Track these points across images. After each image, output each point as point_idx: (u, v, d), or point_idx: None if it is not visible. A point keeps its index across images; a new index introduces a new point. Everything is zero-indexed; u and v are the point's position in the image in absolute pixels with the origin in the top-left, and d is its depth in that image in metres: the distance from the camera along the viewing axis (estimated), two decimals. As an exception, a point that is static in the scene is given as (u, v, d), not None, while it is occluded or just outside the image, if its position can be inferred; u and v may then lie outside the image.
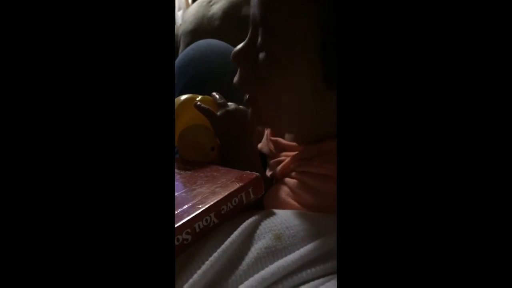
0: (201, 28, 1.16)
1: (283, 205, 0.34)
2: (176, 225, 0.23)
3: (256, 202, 0.28)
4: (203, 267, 0.21)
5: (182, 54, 0.65)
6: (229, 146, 0.39)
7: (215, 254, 0.22)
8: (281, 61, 0.29)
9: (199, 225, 0.24)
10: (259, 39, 0.30)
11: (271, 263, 0.23)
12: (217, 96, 0.42)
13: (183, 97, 0.41)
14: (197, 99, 0.40)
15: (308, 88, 0.30)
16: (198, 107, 0.39)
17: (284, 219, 0.26)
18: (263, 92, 0.32)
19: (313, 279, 0.23)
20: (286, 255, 0.23)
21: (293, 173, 0.36)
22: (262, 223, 0.25)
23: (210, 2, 1.18)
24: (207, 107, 0.40)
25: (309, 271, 0.23)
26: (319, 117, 0.32)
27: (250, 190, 0.27)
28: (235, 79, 0.35)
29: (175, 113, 0.39)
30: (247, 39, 0.33)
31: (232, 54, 0.33)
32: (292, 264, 0.22)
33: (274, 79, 0.30)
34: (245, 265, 0.22)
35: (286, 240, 0.24)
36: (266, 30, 0.30)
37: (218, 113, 0.40)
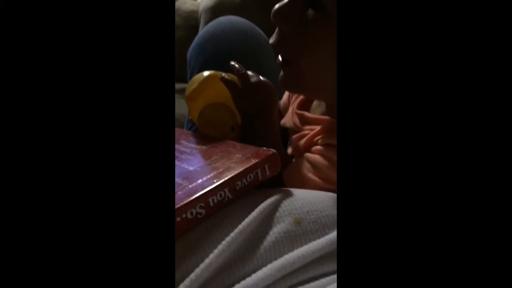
0: (222, 5, 1.14)
1: (305, 182, 0.34)
2: (190, 199, 0.23)
3: (273, 178, 0.28)
4: (220, 247, 0.21)
5: (202, 31, 0.64)
6: (250, 121, 0.38)
7: (232, 234, 0.22)
8: (334, 15, 0.28)
9: (213, 199, 0.24)
10: None
11: (290, 249, 0.22)
12: (237, 66, 0.40)
13: (206, 73, 0.40)
14: (222, 74, 0.40)
15: None
16: (222, 79, 0.38)
17: (305, 202, 0.25)
18: (309, 54, 0.31)
19: (333, 273, 0.22)
20: (306, 242, 0.23)
21: (316, 147, 0.35)
22: (282, 205, 0.25)
23: (232, -22, 1.15)
24: (231, 79, 0.38)
25: (330, 265, 0.22)
26: None
27: (266, 166, 0.27)
28: (273, 39, 0.34)
29: (197, 89, 0.39)
30: None
31: (273, 11, 0.32)
32: (312, 254, 0.22)
33: (324, 37, 0.29)
34: (263, 248, 0.22)
35: (306, 225, 0.23)
36: None
37: (241, 86, 0.38)
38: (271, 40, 0.34)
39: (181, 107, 0.99)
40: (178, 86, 1.12)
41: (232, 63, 0.40)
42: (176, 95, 1.11)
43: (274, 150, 0.28)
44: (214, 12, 1.14)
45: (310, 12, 0.30)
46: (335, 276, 0.22)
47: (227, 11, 1.08)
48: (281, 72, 0.36)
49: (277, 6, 0.32)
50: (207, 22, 1.15)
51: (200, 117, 0.39)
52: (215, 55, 0.57)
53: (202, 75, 0.40)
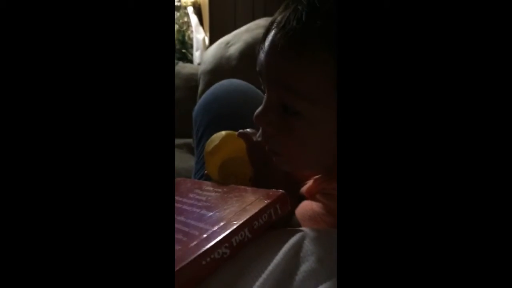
0: (220, 68, 1.24)
1: (316, 218, 0.37)
2: (216, 240, 0.27)
3: (286, 216, 0.32)
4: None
5: (206, 93, 0.71)
6: (263, 170, 0.43)
7: (264, 275, 0.25)
8: (311, 117, 0.32)
9: (235, 239, 0.28)
10: (282, 100, 0.33)
11: (316, 285, 0.24)
12: (249, 130, 0.46)
13: (224, 132, 0.46)
14: (236, 135, 0.46)
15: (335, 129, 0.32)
16: (240, 134, 0.44)
17: (325, 242, 0.28)
18: (294, 151, 0.35)
19: None
20: (329, 279, 0.25)
21: (318, 195, 0.39)
22: (304, 245, 0.28)
23: (227, 43, 1.28)
24: (247, 131, 0.45)
25: None
26: None
27: (277, 206, 0.31)
28: (260, 137, 0.38)
29: (218, 145, 0.45)
30: (265, 100, 0.35)
31: (255, 116, 0.36)
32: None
33: (306, 135, 0.33)
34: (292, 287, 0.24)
35: (328, 263, 0.26)
36: (288, 91, 0.32)
37: (255, 139, 0.44)
38: (258, 137, 0.38)
39: (182, 161, 1.05)
40: (179, 141, 1.18)
41: (241, 131, 0.46)
42: (177, 150, 1.16)
43: (283, 191, 0.32)
44: (213, 74, 1.24)
45: (288, 117, 0.33)
46: None
47: (224, 72, 1.18)
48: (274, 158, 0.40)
49: (257, 111, 0.36)
50: (206, 83, 1.25)
51: (221, 169, 0.44)
52: (220, 114, 0.63)
53: (222, 133, 0.46)
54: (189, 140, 1.11)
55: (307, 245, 0.28)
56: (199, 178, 0.64)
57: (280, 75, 0.33)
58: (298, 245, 0.28)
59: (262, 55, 0.34)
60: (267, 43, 0.33)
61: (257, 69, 0.36)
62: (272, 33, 0.33)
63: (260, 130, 0.38)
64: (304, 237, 0.29)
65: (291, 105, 0.33)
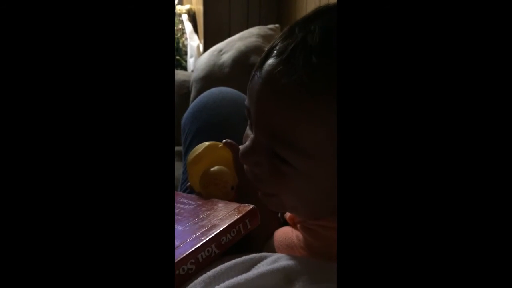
0: (212, 75, 1.24)
1: (293, 248, 0.36)
2: (182, 256, 0.26)
3: (263, 239, 0.31)
4: None
5: (196, 100, 0.70)
6: (248, 182, 0.42)
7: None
8: (307, 172, 0.28)
9: (202, 255, 0.27)
10: (273, 148, 0.29)
11: None
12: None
13: (207, 142, 0.45)
14: (219, 145, 0.45)
15: (331, 182, 0.26)
16: (226, 143, 0.43)
17: (298, 263, 0.27)
18: (284, 192, 0.31)
19: None
20: None
21: (299, 226, 0.36)
22: (277, 263, 0.26)
23: (220, 51, 1.27)
24: (234, 142, 0.43)
25: None
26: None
27: (247, 221, 0.31)
28: (249, 175, 0.33)
29: (201, 154, 0.44)
30: (252, 140, 0.31)
31: (240, 154, 0.32)
32: None
33: (300, 186, 0.29)
34: None
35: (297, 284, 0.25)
36: (281, 142, 0.28)
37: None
38: (248, 176, 0.34)
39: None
40: (171, 149, 1.17)
41: (227, 140, 0.44)
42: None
43: (253, 206, 0.32)
44: (205, 81, 1.23)
45: (280, 163, 0.29)
46: None
47: (217, 80, 1.18)
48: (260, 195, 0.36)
49: (243, 150, 0.31)
50: (198, 90, 1.25)
51: (203, 177, 0.43)
52: (208, 123, 0.62)
53: (205, 143, 0.45)
54: (181, 148, 1.10)
55: (281, 263, 0.27)
56: (185, 189, 0.63)
57: (274, 122, 0.28)
58: (271, 269, 0.27)
59: (256, 85, 0.29)
60: (264, 72, 0.28)
61: (245, 102, 0.31)
62: (271, 61, 0.28)
63: (248, 170, 0.34)
64: (280, 258, 0.28)
65: (284, 157, 0.28)
